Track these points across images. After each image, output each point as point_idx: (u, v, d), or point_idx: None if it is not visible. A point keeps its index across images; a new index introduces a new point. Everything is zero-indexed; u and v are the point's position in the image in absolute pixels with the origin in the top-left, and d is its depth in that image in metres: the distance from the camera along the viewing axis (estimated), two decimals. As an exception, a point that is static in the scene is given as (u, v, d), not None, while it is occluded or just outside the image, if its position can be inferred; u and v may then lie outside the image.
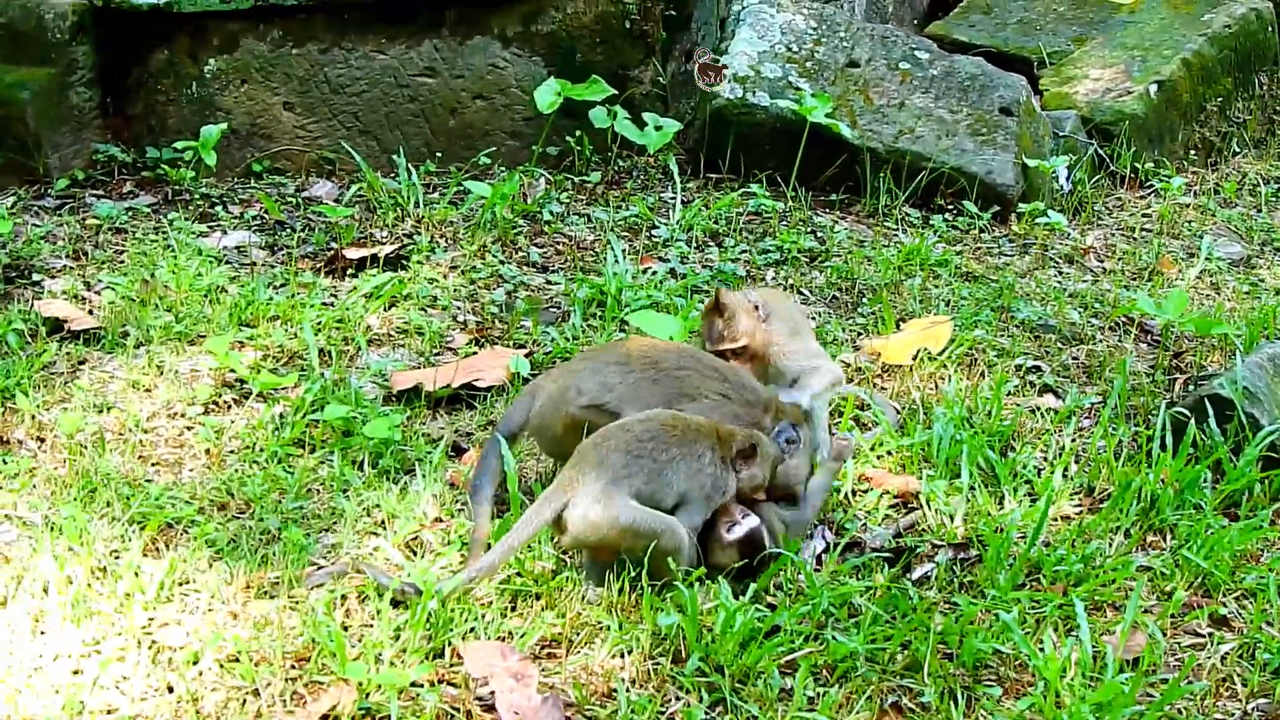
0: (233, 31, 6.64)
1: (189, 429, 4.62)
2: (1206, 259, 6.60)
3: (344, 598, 3.81)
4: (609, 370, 4.21)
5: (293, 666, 3.55)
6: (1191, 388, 5.05)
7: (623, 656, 3.63)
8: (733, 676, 3.56)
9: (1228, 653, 3.83)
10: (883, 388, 5.13)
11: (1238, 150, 8.23)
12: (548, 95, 6.47)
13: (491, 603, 3.82)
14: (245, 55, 6.66)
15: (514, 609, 3.80)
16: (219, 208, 6.31)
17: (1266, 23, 8.35)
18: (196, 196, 6.34)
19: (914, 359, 5.26)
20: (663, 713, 3.48)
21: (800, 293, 5.81)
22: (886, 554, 4.15)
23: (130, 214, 6.13)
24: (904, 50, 7.17)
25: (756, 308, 4.53)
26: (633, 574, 3.77)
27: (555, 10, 6.83)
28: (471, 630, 3.69)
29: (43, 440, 4.49)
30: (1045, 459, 4.71)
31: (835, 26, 7.18)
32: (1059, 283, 6.24)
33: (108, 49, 6.60)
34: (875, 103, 6.87)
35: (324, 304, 5.40)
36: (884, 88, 6.96)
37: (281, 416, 4.66)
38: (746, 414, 4.18)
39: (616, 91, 6.61)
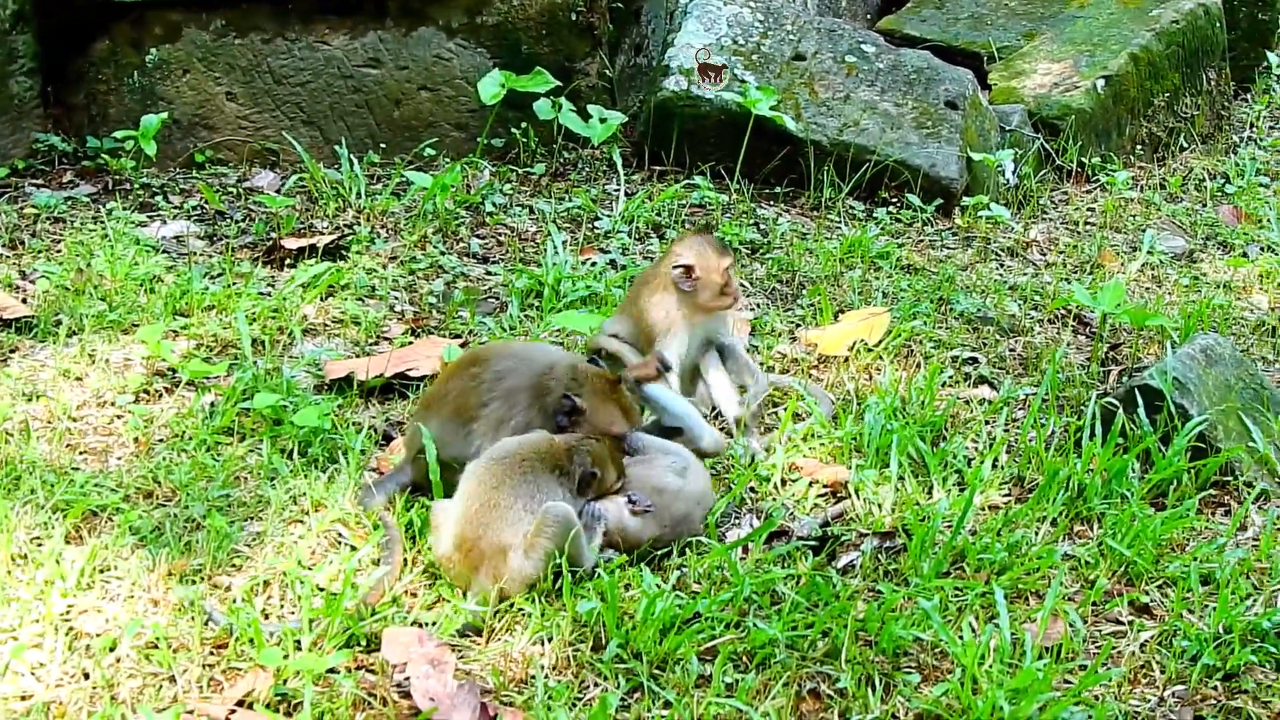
0: (175, 21, 6.60)
1: (118, 417, 4.59)
2: (1149, 252, 6.63)
3: (265, 584, 3.80)
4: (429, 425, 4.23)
5: (211, 653, 3.54)
6: (1125, 379, 5.07)
7: (543, 644, 3.63)
8: (651, 663, 3.56)
9: (1147, 640, 3.84)
10: (818, 378, 5.14)
11: (1185, 145, 8.27)
12: (491, 87, 6.46)
13: (416, 592, 3.82)
14: (188, 45, 6.62)
15: (441, 599, 3.81)
16: (159, 198, 6.28)
17: (1214, 19, 8.38)
18: (137, 186, 6.30)
19: (850, 350, 5.27)
20: (580, 699, 3.48)
21: (741, 284, 5.80)
22: (813, 542, 4.15)
23: (69, 204, 6.09)
24: (851, 43, 7.18)
25: None
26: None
27: (501, 2, 6.82)
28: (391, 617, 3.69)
29: (-32, 428, 4.46)
30: (976, 449, 4.72)
31: (782, 19, 7.18)
32: (1000, 275, 6.26)
33: (49, 38, 6.55)
34: (821, 96, 6.88)
35: (260, 294, 5.38)
36: (830, 81, 6.96)
37: (212, 405, 4.63)
38: (530, 394, 4.18)
39: (561, 84, 6.59)
